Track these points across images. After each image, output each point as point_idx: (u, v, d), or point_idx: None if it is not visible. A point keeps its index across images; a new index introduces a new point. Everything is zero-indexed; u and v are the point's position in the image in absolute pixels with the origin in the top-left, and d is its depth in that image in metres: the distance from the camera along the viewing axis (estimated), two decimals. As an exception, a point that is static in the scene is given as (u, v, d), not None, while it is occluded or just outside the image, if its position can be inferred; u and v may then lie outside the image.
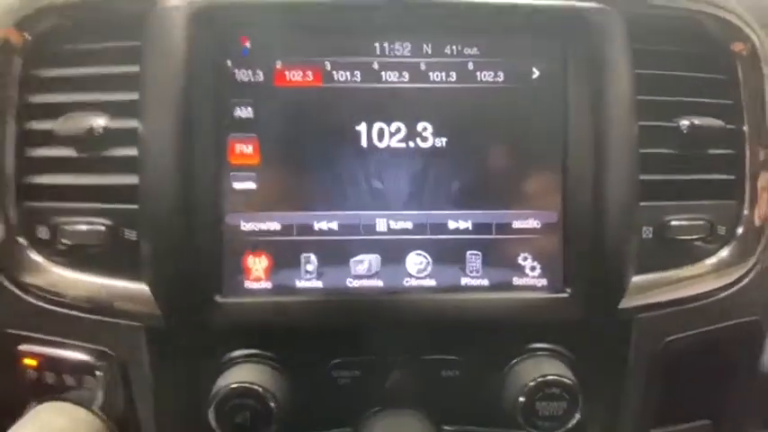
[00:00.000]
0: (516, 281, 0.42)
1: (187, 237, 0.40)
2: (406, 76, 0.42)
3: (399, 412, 0.41)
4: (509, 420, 0.41)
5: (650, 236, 0.43)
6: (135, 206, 0.40)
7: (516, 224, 0.42)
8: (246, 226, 0.41)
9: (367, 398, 0.42)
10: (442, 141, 0.42)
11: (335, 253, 0.42)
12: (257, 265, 0.42)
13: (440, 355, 0.41)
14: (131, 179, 0.40)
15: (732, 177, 0.46)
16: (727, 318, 0.45)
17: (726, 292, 0.44)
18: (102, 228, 0.41)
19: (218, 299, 0.40)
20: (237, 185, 0.41)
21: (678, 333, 0.43)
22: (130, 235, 0.41)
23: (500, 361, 0.41)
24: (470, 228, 0.42)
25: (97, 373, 0.42)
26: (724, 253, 0.45)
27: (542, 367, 0.39)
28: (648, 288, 0.43)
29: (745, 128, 0.46)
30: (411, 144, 0.42)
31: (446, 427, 0.43)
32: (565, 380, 0.38)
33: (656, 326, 0.43)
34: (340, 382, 0.41)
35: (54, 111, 0.42)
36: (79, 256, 0.41)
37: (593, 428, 0.44)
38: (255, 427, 0.37)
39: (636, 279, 0.43)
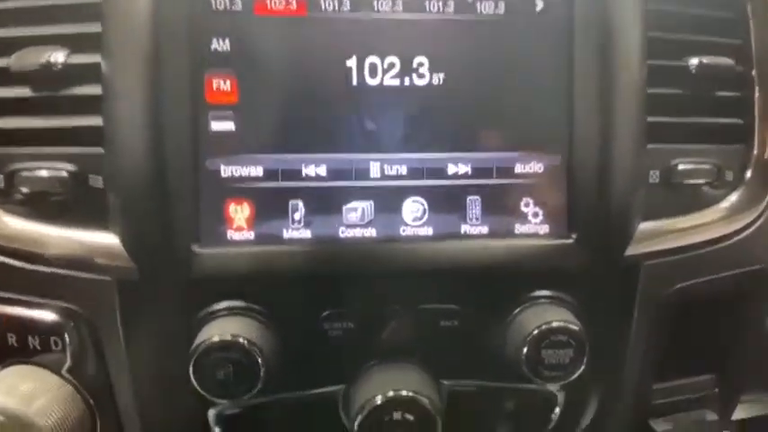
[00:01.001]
0: (518, 228, 0.40)
1: (159, 183, 0.36)
2: (401, 5, 0.38)
3: (396, 366, 0.38)
4: (511, 373, 0.39)
5: (657, 180, 0.41)
6: (100, 150, 0.36)
7: (518, 168, 0.39)
8: (226, 171, 0.38)
9: (361, 352, 0.39)
10: (439, 78, 0.38)
11: (325, 200, 0.38)
12: (239, 214, 0.38)
13: (438, 305, 0.39)
14: (95, 120, 0.37)
15: (741, 121, 0.44)
16: (734, 266, 0.43)
17: (734, 239, 0.43)
18: (65, 174, 0.37)
19: (197, 249, 0.37)
20: (215, 126, 0.37)
21: (685, 281, 0.42)
22: (96, 182, 0.37)
23: (502, 310, 0.39)
24: (470, 172, 0.39)
25: (65, 333, 0.38)
26: (732, 199, 0.44)
27: (546, 315, 0.37)
28: (655, 235, 0.41)
29: (754, 70, 0.44)
30: (406, 81, 0.38)
31: (445, 382, 0.41)
32: (571, 326, 0.36)
33: (662, 273, 0.41)
34: (331, 335, 0.38)
35: (7, 46, 0.37)
36: (40, 206, 0.37)
37: (597, 380, 0.43)
38: (240, 385, 0.34)
39: (642, 226, 0.41)
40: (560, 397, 0.42)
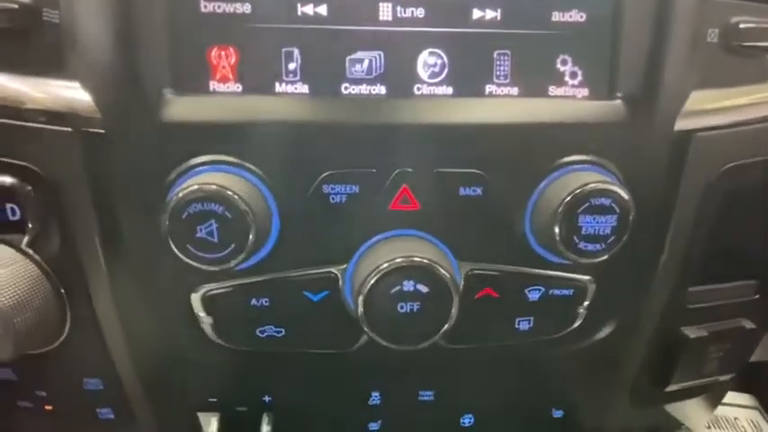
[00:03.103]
0: (553, 90, 0.34)
1: (125, 18, 0.30)
2: None
3: (408, 239, 0.33)
4: (538, 259, 0.34)
5: (715, 39, 0.35)
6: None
7: (557, 16, 0.33)
8: (207, 6, 0.31)
9: (367, 223, 0.34)
10: None
11: (326, 48, 0.32)
12: (224, 61, 0.32)
13: (458, 168, 0.33)
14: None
15: None
16: None
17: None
18: (15, 6, 0.30)
19: (169, 95, 0.31)
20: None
21: (738, 159, 0.36)
22: (52, 16, 0.31)
23: (533, 175, 0.33)
24: (499, 18, 0.33)
25: (23, 199, 0.33)
26: (795, 72, 0.40)
27: (585, 177, 0.31)
28: (710, 105, 0.35)
29: None
30: None
31: (463, 263, 0.35)
32: (615, 188, 0.30)
33: (714, 148, 0.36)
34: (333, 201, 0.32)
35: None
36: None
37: (632, 272, 0.38)
38: (225, 245, 0.29)
39: (696, 93, 0.35)
40: (591, 289, 0.37)
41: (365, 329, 0.32)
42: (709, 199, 0.37)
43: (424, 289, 0.30)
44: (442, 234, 0.34)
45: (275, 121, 0.32)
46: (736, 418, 0.92)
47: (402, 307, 0.31)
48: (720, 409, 0.95)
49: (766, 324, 0.47)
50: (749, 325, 0.45)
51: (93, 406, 0.42)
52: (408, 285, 0.30)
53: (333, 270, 0.34)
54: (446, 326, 0.32)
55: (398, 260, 0.30)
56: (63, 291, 0.35)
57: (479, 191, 0.33)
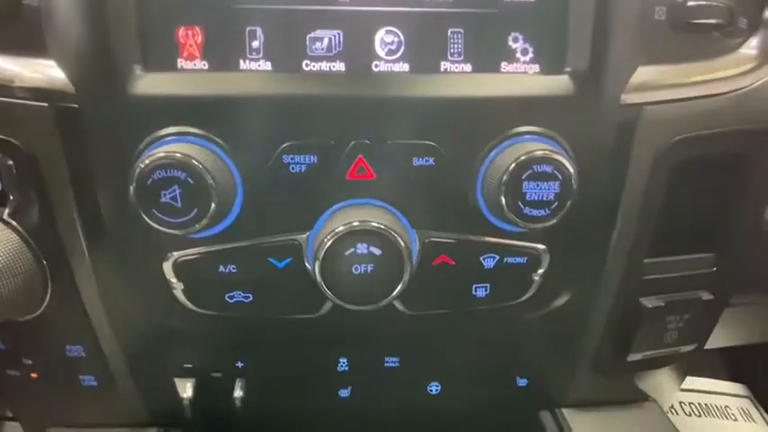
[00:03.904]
0: (505, 66, 0.35)
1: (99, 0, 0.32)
2: None
3: (365, 206, 0.34)
4: (491, 226, 0.36)
5: (663, 17, 0.37)
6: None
7: None
8: (173, -13, 0.34)
9: (326, 192, 0.35)
10: None
11: (287, 27, 0.34)
12: (191, 40, 0.34)
13: (412, 140, 0.35)
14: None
15: None
16: (741, 121, 0.39)
17: (743, 90, 0.38)
18: None
19: (139, 71, 0.33)
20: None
21: (686, 132, 0.37)
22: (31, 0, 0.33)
23: (482, 146, 0.35)
24: None
25: (3, 171, 0.35)
26: (743, 49, 0.39)
27: (530, 147, 0.33)
28: (658, 80, 0.37)
29: None
30: None
31: (419, 231, 0.36)
32: (557, 156, 0.32)
33: (662, 121, 0.37)
34: (293, 171, 0.34)
35: None
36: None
37: (585, 241, 0.39)
38: (189, 210, 0.31)
39: (644, 68, 0.37)
40: (545, 257, 0.38)
41: (323, 289, 0.34)
42: (658, 171, 0.39)
43: (376, 251, 0.32)
44: (398, 203, 0.36)
45: (239, 96, 0.33)
46: (726, 407, 0.94)
47: (356, 269, 0.33)
48: (711, 398, 0.97)
49: (725, 296, 0.49)
50: (707, 296, 0.47)
51: (76, 373, 0.45)
52: (362, 248, 0.32)
53: (296, 238, 0.36)
54: (399, 287, 0.34)
55: (354, 224, 0.32)
56: (44, 260, 0.37)
57: (432, 161, 0.34)
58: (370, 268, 0.33)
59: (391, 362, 0.44)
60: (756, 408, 0.93)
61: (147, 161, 0.30)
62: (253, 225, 0.36)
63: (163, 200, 0.30)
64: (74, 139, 0.34)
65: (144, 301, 0.39)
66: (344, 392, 0.46)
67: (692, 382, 0.93)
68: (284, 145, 0.33)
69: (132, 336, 0.42)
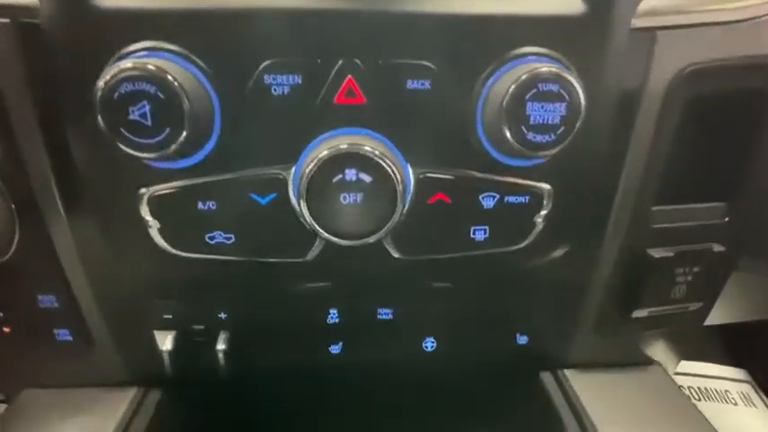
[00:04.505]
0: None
1: None
2: None
3: (356, 135, 0.31)
4: (491, 162, 0.33)
5: None
6: None
7: None
8: None
9: (312, 118, 0.32)
10: None
11: None
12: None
13: (406, 59, 0.31)
14: None
15: None
16: (755, 52, 0.36)
17: (759, 20, 0.35)
18: None
19: None
20: None
21: (699, 61, 0.35)
22: None
23: (483, 68, 0.32)
24: None
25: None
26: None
27: (534, 66, 0.30)
28: (670, 4, 0.34)
29: None
30: None
31: (414, 166, 0.33)
32: (564, 74, 0.29)
33: (675, 48, 0.34)
34: (275, 92, 0.31)
35: None
36: None
37: (591, 181, 0.37)
38: (160, 128, 0.28)
39: (656, -8, 0.35)
40: (547, 197, 0.36)
41: (309, 223, 0.31)
42: (671, 105, 0.36)
43: (366, 179, 0.29)
44: (391, 134, 0.33)
45: (215, 8, 0.30)
46: (726, 391, 0.92)
47: (345, 198, 0.30)
48: (711, 382, 0.95)
49: (737, 249, 0.47)
50: (718, 248, 0.45)
51: (49, 326, 0.42)
52: (350, 174, 0.29)
53: (280, 171, 0.33)
54: (392, 220, 0.31)
55: (341, 146, 0.29)
56: (12, 202, 0.34)
57: (427, 84, 0.31)
58: (359, 198, 0.30)
59: (384, 314, 0.42)
60: (757, 393, 0.91)
61: (113, 72, 0.27)
62: (233, 156, 0.33)
63: (131, 117, 0.27)
64: (38, 60, 0.31)
65: (119, 243, 0.37)
66: (335, 348, 0.43)
67: (691, 366, 0.92)
68: (265, 63, 0.30)
69: (107, 284, 0.39)
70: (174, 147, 0.28)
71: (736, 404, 0.91)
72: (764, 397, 0.88)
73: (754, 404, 0.88)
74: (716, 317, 0.57)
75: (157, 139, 0.28)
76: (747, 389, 0.93)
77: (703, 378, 0.94)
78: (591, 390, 0.48)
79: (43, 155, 0.34)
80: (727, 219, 0.44)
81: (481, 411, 0.54)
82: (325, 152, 0.30)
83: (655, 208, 0.42)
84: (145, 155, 0.29)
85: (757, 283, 0.62)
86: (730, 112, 0.40)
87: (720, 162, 0.43)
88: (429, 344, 0.45)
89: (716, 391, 0.92)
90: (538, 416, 0.48)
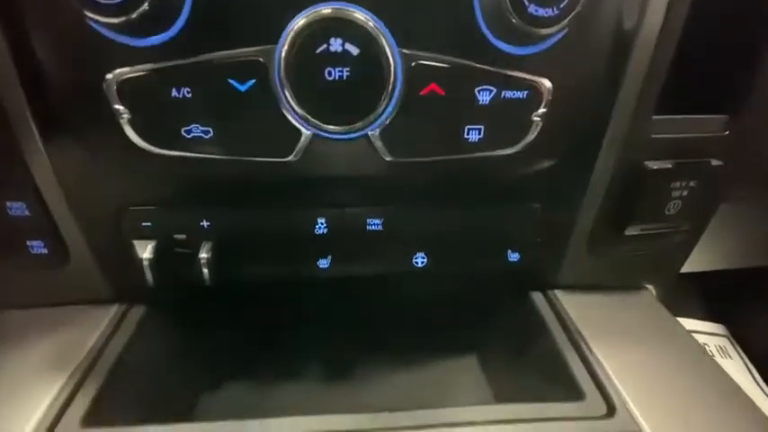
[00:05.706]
0: None
1: None
2: None
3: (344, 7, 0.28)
4: (490, 46, 0.31)
5: None
6: None
7: None
8: None
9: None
10: None
11: None
12: None
13: None
14: None
15: None
16: None
17: None
18: None
19: None
20: None
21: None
22: None
23: None
24: None
25: None
26: None
27: None
28: None
29: None
30: None
31: (406, 51, 0.31)
32: None
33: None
34: None
35: None
36: None
37: (590, 76, 0.34)
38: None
39: None
40: (546, 93, 0.33)
41: (291, 105, 0.29)
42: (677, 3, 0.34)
43: (353, 50, 0.27)
44: (381, 11, 0.30)
45: None
46: (705, 344, 0.95)
47: (330, 73, 0.28)
48: None
49: (736, 162, 0.46)
50: (716, 162, 0.44)
51: (22, 237, 0.40)
52: (336, 44, 0.27)
53: (259, 53, 0.30)
54: (382, 102, 0.29)
55: (325, 11, 0.27)
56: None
57: None
58: (345, 73, 0.28)
59: (374, 224, 0.40)
60: (733, 345, 0.94)
61: None
62: (207, 34, 0.30)
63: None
64: None
65: (90, 142, 0.34)
66: (324, 263, 0.42)
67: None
68: None
69: (80, 188, 0.37)
70: (139, 11, 0.26)
71: (713, 356, 0.95)
72: (740, 349, 0.92)
73: (729, 356, 0.91)
74: (698, 263, 0.57)
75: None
76: (725, 342, 0.96)
77: (683, 332, 0.97)
78: (581, 309, 0.48)
79: (3, 41, 0.31)
80: (727, 132, 0.43)
81: (470, 327, 0.54)
82: (310, 16, 0.27)
83: (655, 117, 0.41)
84: (108, 19, 0.26)
85: (741, 227, 0.62)
86: (736, 17, 0.38)
87: (725, 72, 0.41)
88: (420, 259, 0.44)
89: (695, 345, 0.95)
90: (528, 332, 0.48)
